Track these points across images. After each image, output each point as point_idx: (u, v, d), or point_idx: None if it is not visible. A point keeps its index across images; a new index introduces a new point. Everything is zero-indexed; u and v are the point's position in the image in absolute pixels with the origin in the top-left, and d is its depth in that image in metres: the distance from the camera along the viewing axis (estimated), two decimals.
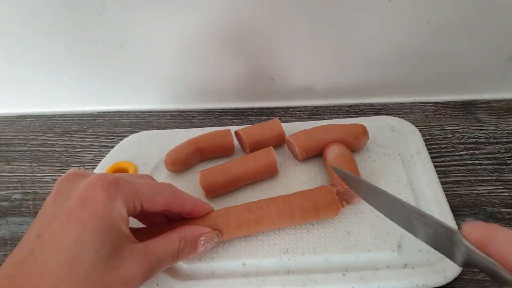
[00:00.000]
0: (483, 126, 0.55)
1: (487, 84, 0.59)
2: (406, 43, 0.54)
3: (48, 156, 0.57)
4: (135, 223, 0.41)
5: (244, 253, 0.40)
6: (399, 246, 0.39)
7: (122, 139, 0.55)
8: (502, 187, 0.47)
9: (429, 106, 0.59)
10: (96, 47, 0.56)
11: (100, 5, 0.51)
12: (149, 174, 0.40)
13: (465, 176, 0.49)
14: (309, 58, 0.57)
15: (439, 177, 0.45)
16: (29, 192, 0.52)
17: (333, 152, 0.45)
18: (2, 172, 0.55)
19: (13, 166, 0.56)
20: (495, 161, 0.50)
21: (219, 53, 0.56)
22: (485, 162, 0.50)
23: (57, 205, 0.31)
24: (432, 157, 0.48)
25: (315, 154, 0.48)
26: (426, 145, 0.50)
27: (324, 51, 0.56)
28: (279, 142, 0.50)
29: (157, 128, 0.60)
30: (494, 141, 0.53)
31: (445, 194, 0.44)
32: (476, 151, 0.52)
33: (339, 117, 0.59)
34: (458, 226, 0.41)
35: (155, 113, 0.63)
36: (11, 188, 0.53)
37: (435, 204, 0.43)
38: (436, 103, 0.60)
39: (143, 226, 0.40)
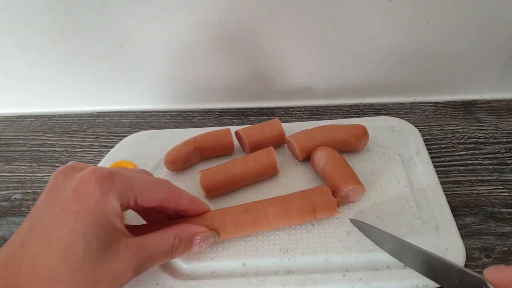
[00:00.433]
0: (483, 126, 0.55)
1: (487, 84, 0.59)
2: (406, 43, 0.54)
3: (48, 156, 0.57)
4: (136, 221, 0.41)
5: (244, 253, 0.40)
6: None
7: (122, 139, 0.55)
8: (502, 187, 0.47)
9: (429, 106, 0.59)
10: (96, 47, 0.56)
11: (100, 5, 0.51)
12: (146, 170, 0.40)
13: (465, 176, 0.49)
14: (309, 58, 0.57)
15: (439, 177, 0.45)
16: (29, 192, 0.52)
17: (321, 159, 0.45)
18: (2, 172, 0.55)
19: (13, 166, 0.56)
20: (495, 161, 0.50)
21: (219, 53, 0.56)
22: (485, 162, 0.50)
23: (52, 197, 0.32)
24: (432, 157, 0.48)
25: None
26: (426, 145, 0.50)
27: (324, 51, 0.56)
28: (279, 142, 0.50)
29: (157, 128, 0.60)
30: (494, 141, 0.53)
31: (445, 194, 0.44)
32: (476, 151, 0.52)
33: (339, 117, 0.59)
34: (458, 227, 0.41)
35: (155, 113, 0.63)
36: (11, 188, 0.53)
37: (435, 204, 0.43)
38: (436, 103, 0.60)
39: (144, 223, 0.40)
